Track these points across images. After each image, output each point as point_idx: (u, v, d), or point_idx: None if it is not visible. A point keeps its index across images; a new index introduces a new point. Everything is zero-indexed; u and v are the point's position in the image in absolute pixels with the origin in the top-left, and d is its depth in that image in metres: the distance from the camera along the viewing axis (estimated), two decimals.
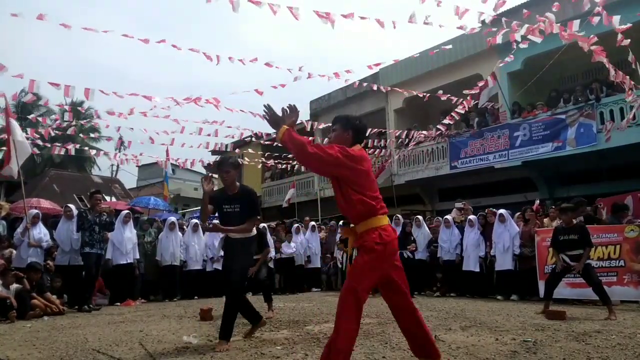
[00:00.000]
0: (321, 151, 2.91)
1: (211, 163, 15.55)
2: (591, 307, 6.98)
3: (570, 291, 7.31)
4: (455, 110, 10.53)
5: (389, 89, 11.75)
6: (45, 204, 14.10)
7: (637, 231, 7.43)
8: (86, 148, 16.32)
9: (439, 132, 13.21)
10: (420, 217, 10.80)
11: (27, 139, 10.77)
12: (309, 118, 19.72)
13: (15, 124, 8.46)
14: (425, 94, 11.49)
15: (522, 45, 7.35)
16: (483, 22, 7.49)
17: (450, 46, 8.37)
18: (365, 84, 11.54)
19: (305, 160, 2.96)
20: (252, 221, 4.58)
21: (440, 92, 11.25)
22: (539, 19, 6.11)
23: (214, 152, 20.94)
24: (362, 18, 6.51)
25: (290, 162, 14.83)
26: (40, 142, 11.93)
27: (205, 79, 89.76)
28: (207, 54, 7.88)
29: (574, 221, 6.60)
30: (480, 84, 10.33)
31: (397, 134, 14.51)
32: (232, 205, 4.51)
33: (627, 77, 7.24)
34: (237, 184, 4.69)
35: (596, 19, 6.39)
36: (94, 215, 7.94)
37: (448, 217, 10.15)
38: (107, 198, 21.47)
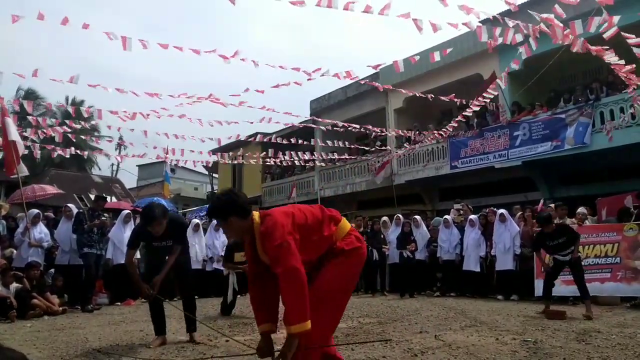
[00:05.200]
0: (292, 264, 2.45)
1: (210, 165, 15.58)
2: (592, 306, 6.97)
3: (566, 288, 7.34)
4: (462, 113, 10.56)
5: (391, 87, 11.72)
6: (51, 189, 14.29)
7: (636, 230, 7.46)
8: (86, 153, 16.33)
9: (443, 135, 13.18)
10: (418, 217, 10.80)
11: (27, 138, 10.80)
12: (309, 118, 19.71)
13: (10, 123, 8.47)
14: (423, 94, 11.47)
15: (521, 49, 7.35)
16: (485, 21, 7.49)
17: (451, 48, 8.37)
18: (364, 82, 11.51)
19: (299, 275, 2.46)
20: (180, 247, 4.69)
21: (432, 95, 11.25)
22: (544, 18, 6.07)
23: (214, 152, 20.95)
24: (365, 12, 6.42)
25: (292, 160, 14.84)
26: (38, 143, 11.93)
27: (205, 79, 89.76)
28: (208, 54, 7.85)
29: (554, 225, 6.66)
30: (492, 87, 10.31)
31: (397, 134, 14.52)
32: (163, 242, 4.61)
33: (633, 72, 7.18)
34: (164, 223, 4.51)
35: (596, 20, 6.38)
36: (88, 228, 7.92)
37: (447, 216, 10.16)
38: (108, 198, 21.49)
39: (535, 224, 8.75)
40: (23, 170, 8.62)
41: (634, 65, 6.95)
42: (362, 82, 11.99)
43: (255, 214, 2.71)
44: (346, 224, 2.85)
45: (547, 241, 6.49)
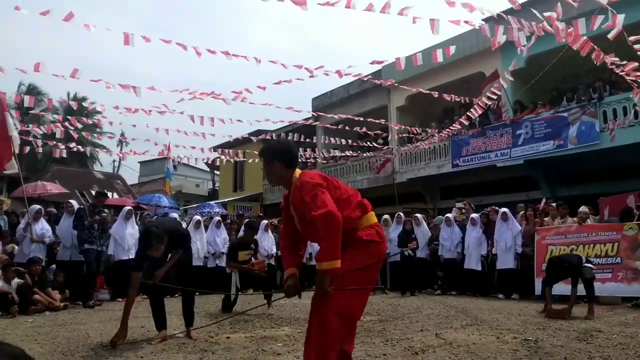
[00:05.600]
0: (328, 207, 2.51)
1: (210, 162, 15.62)
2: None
3: (566, 287, 7.31)
4: (467, 114, 10.53)
5: (394, 83, 11.69)
6: (53, 188, 14.32)
7: (635, 229, 7.45)
8: (88, 148, 16.35)
9: (448, 135, 13.16)
10: (419, 215, 10.79)
11: (29, 134, 10.81)
12: (310, 116, 19.71)
13: (9, 118, 8.44)
14: (427, 92, 11.44)
15: (522, 48, 7.34)
16: (488, 19, 7.46)
17: (454, 47, 8.37)
18: (366, 79, 11.50)
19: (335, 225, 2.53)
20: (182, 250, 4.82)
21: (437, 93, 11.22)
22: (549, 17, 6.05)
23: (215, 149, 20.95)
24: (367, 10, 6.37)
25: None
26: (40, 139, 11.94)
27: (206, 79, 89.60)
28: (211, 51, 7.83)
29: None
30: (495, 87, 10.27)
31: (400, 132, 14.49)
32: (168, 254, 4.74)
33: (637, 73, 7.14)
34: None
35: (599, 18, 6.35)
36: (88, 224, 7.93)
37: (449, 215, 10.15)
38: (109, 194, 21.56)
39: (538, 222, 8.76)
40: (13, 166, 8.56)
41: (637, 64, 6.92)
42: (365, 78, 11.95)
43: (298, 171, 2.80)
44: (372, 217, 2.85)
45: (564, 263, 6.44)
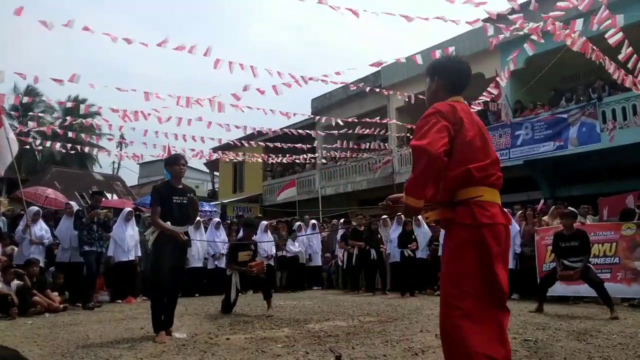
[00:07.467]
0: (422, 143, 2.15)
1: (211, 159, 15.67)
2: (592, 306, 6.97)
3: (565, 289, 7.32)
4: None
5: (391, 92, 11.73)
6: (50, 192, 14.27)
7: (633, 229, 7.43)
8: (87, 149, 16.33)
9: None
10: (420, 215, 10.75)
11: (29, 135, 10.79)
12: (309, 118, 19.73)
13: (5, 122, 8.39)
14: (423, 96, 11.44)
15: (526, 47, 7.35)
16: (487, 19, 7.48)
17: (452, 47, 8.36)
18: (364, 86, 11.52)
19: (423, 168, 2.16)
20: (196, 221, 5.29)
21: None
22: (545, 17, 6.07)
23: (215, 149, 20.95)
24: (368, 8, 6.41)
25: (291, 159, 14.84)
26: (39, 139, 11.94)
27: (208, 78, 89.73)
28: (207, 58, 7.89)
29: (575, 225, 6.67)
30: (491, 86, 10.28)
31: (399, 132, 14.50)
32: (181, 198, 5.02)
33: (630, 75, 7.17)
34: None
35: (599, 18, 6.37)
36: (87, 220, 7.92)
37: None
38: (109, 195, 21.53)
39: (536, 222, 8.75)
40: None
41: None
42: (368, 90, 11.95)
43: (456, 99, 2.42)
44: (480, 192, 2.26)
45: (560, 242, 6.45)
